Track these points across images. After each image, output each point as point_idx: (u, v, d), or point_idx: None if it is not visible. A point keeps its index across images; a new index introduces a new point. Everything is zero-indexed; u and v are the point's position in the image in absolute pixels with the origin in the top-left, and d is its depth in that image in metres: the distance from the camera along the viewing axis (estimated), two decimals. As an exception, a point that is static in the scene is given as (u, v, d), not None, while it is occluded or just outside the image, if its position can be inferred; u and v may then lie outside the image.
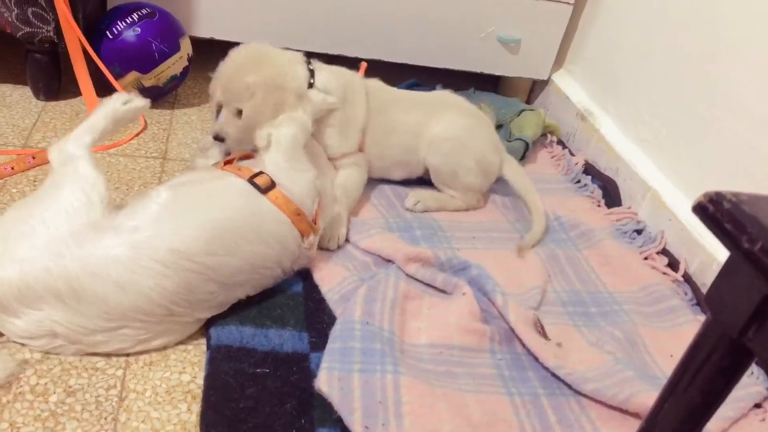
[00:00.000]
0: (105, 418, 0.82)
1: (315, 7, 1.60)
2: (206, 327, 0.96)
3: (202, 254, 0.89)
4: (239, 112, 1.16)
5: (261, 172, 1.02)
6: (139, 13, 1.42)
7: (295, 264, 1.04)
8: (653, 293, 1.20)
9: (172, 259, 0.87)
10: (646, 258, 1.30)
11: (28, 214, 0.88)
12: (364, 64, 1.36)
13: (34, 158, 1.21)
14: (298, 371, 0.91)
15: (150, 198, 0.94)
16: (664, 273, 1.26)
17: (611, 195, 1.49)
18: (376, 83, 1.36)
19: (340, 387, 0.84)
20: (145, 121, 1.44)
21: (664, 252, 1.31)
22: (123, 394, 0.86)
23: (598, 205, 1.46)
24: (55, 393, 0.84)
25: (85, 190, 0.90)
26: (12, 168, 1.19)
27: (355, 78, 1.31)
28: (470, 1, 1.67)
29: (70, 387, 0.85)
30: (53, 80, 1.43)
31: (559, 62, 1.85)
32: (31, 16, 1.33)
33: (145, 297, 0.86)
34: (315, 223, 1.05)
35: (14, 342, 0.88)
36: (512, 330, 1.03)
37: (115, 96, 1.03)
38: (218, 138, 1.19)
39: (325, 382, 0.86)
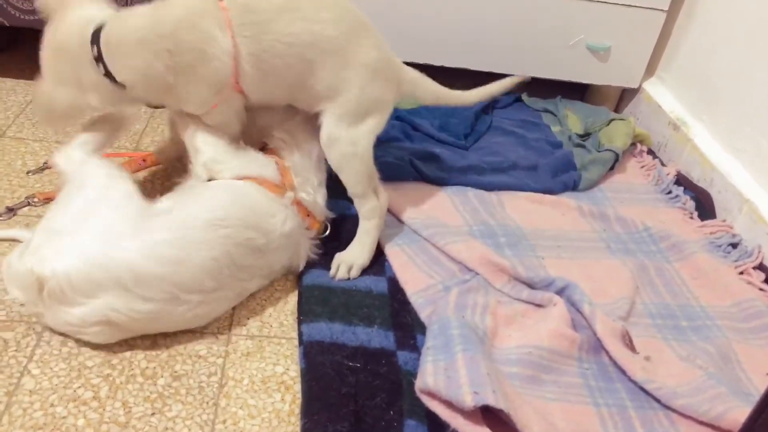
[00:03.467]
0: (207, 402, 0.88)
1: (402, 16, 1.64)
2: (298, 324, 1.01)
3: (233, 219, 0.97)
4: None
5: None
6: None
7: (286, 224, 1.04)
8: (748, 309, 1.16)
9: (212, 231, 0.95)
10: (741, 273, 1.25)
11: (73, 212, 0.94)
12: None
13: (144, 161, 1.31)
14: (386, 365, 0.94)
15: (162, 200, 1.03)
16: (761, 289, 1.21)
17: (705, 207, 1.45)
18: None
19: (447, 376, 0.86)
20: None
21: (761, 267, 1.26)
22: (223, 381, 0.92)
23: (691, 217, 1.42)
24: (162, 377, 0.91)
25: (119, 183, 0.98)
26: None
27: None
28: (559, 9, 1.66)
29: (175, 372, 0.92)
30: (161, 88, 1.54)
31: (650, 70, 1.81)
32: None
33: (199, 269, 0.93)
34: (283, 184, 1.08)
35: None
36: (599, 341, 1.02)
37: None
38: None
39: (431, 373, 0.87)
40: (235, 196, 1.02)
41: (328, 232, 1.15)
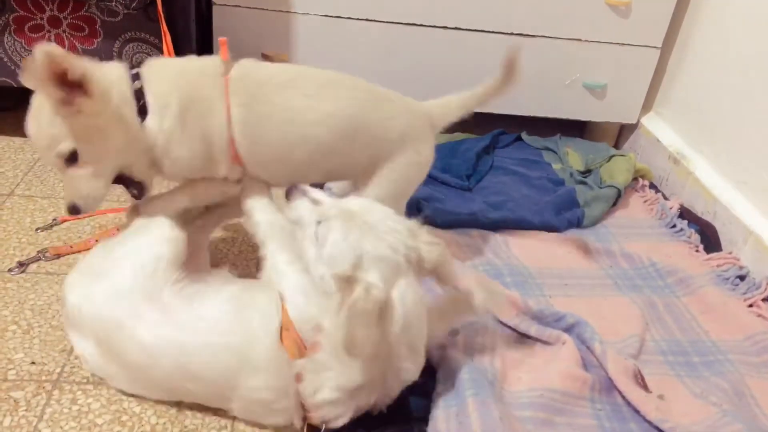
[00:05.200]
0: (218, 458, 0.87)
1: (404, 61, 1.67)
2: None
3: (201, 381, 0.88)
4: None
5: None
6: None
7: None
8: (760, 342, 1.15)
9: (175, 379, 0.89)
10: (750, 305, 1.24)
11: (110, 256, 0.97)
12: (223, 40, 1.02)
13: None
14: (397, 413, 0.93)
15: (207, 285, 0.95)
16: (772, 321, 1.20)
17: (710, 240, 1.45)
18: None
19: (458, 422, 0.86)
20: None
21: (770, 299, 1.26)
22: (234, 435, 0.91)
23: (696, 251, 1.42)
24: (172, 432, 0.90)
25: (156, 249, 0.95)
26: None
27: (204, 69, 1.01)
28: (554, 50, 1.69)
29: (185, 427, 0.91)
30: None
31: (647, 105, 1.83)
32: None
33: (157, 387, 0.92)
34: (305, 348, 0.85)
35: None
36: (611, 380, 1.01)
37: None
38: None
39: (443, 420, 0.87)
40: (228, 349, 0.86)
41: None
